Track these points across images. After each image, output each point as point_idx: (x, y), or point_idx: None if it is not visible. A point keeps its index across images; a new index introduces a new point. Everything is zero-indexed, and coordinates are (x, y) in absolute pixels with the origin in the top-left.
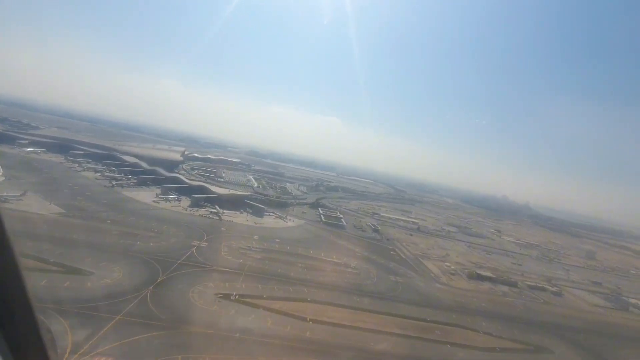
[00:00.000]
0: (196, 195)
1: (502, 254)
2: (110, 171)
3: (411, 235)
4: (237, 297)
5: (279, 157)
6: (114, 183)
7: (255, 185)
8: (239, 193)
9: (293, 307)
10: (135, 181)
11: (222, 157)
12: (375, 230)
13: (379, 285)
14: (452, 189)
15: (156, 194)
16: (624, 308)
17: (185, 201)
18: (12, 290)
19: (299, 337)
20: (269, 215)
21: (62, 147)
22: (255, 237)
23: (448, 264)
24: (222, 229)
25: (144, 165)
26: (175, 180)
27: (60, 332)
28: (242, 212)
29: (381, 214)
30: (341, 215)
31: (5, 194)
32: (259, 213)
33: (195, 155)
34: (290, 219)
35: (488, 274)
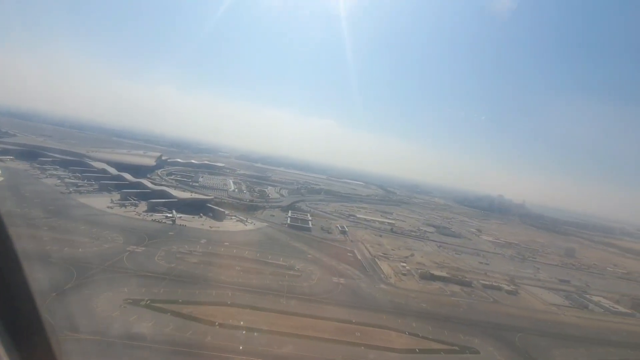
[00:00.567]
0: (153, 200)
1: (473, 253)
2: (76, 177)
3: (381, 236)
4: (147, 302)
5: (272, 161)
6: (72, 189)
7: (232, 189)
8: (200, 197)
9: (207, 311)
10: (97, 187)
11: (206, 162)
12: (343, 232)
13: (316, 288)
14: (449, 190)
15: (112, 199)
16: (583, 306)
17: (143, 206)
18: (14, 284)
19: (193, 342)
20: (231, 219)
21: (32, 154)
22: (203, 241)
23: (404, 264)
24: (170, 233)
25: (111, 171)
26: (139, 186)
27: None
28: (201, 217)
29: (357, 216)
30: (310, 218)
31: None
32: (219, 217)
33: (178, 160)
34: (252, 222)
35: (442, 273)
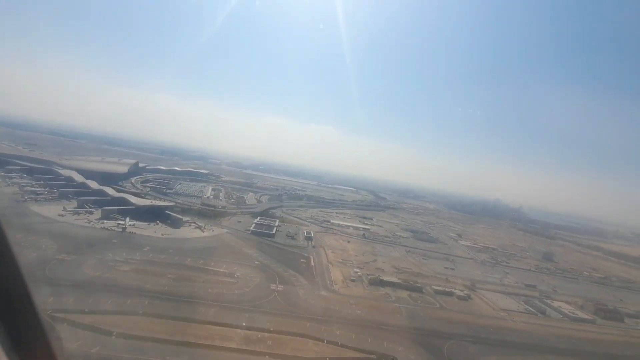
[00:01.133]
0: (107, 208)
1: (443, 258)
2: (39, 185)
3: (349, 242)
4: (50, 311)
5: (266, 168)
6: (27, 197)
7: (207, 195)
8: (159, 204)
9: (110, 321)
10: (57, 195)
11: (190, 169)
12: (308, 238)
13: (248, 295)
14: (447, 194)
15: (64, 207)
16: (540, 312)
17: (98, 214)
18: (13, 287)
19: (77, 353)
20: (189, 225)
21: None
22: (146, 248)
23: (357, 270)
24: (114, 241)
25: (77, 178)
26: (100, 193)
27: None
28: (157, 224)
29: (332, 222)
30: (276, 224)
31: None
32: (176, 224)
33: (160, 167)
34: (210, 229)
35: (393, 279)
